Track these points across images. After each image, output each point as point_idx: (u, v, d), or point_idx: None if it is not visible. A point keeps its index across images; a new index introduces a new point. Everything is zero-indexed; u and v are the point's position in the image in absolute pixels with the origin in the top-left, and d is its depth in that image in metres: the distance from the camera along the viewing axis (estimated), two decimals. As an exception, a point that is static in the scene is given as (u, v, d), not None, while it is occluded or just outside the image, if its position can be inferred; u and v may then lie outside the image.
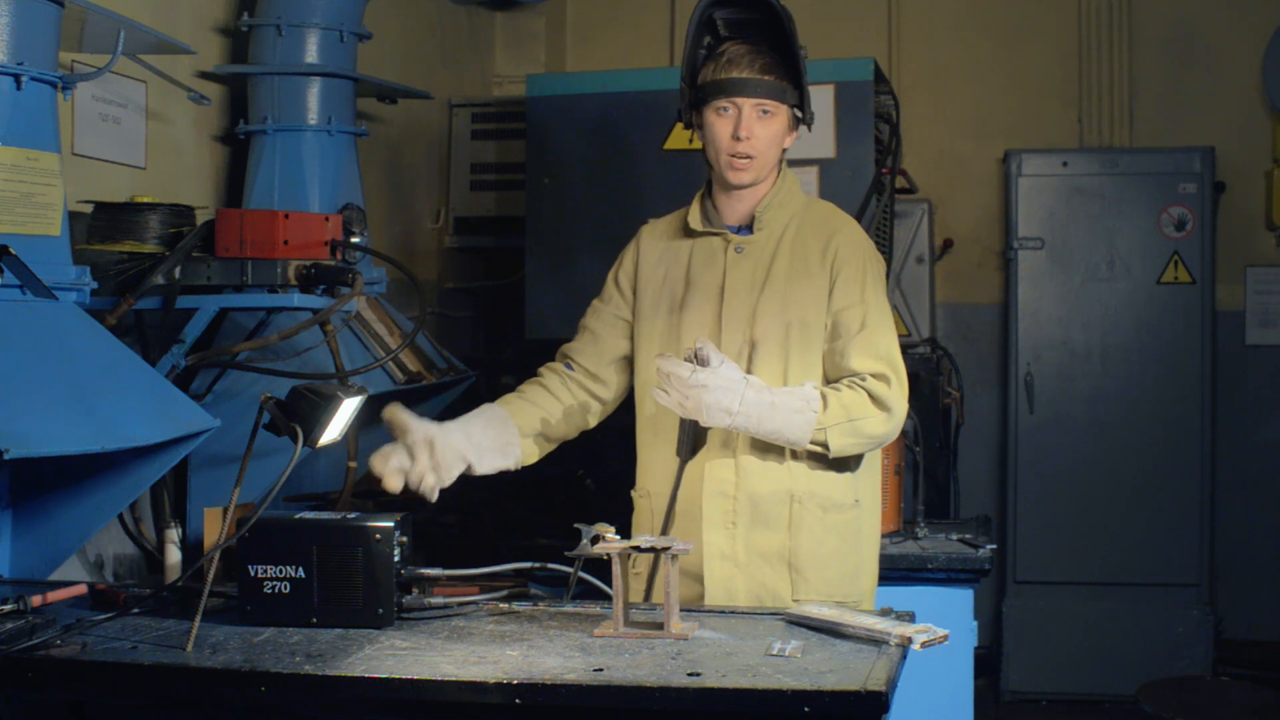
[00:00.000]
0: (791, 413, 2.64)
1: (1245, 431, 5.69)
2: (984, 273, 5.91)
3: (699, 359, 2.61)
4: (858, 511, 2.81)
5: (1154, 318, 5.49)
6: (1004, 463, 5.69)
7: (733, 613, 2.54)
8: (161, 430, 2.67)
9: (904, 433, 3.49)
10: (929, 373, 5.26)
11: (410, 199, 4.97)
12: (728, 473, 2.75)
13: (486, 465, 2.74)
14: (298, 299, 3.23)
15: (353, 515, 2.48)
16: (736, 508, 2.75)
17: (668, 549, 2.36)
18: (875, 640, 2.26)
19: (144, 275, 3.11)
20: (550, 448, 2.89)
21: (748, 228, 2.84)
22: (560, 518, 2.80)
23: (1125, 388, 5.51)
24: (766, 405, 2.62)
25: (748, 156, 2.75)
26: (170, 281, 3.15)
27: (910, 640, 2.24)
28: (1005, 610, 5.56)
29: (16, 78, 2.52)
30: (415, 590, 2.47)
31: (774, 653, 2.19)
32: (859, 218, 3.61)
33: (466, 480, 2.73)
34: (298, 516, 2.50)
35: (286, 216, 3.23)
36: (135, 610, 2.50)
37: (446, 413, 3.99)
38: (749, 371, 2.72)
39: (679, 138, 4.20)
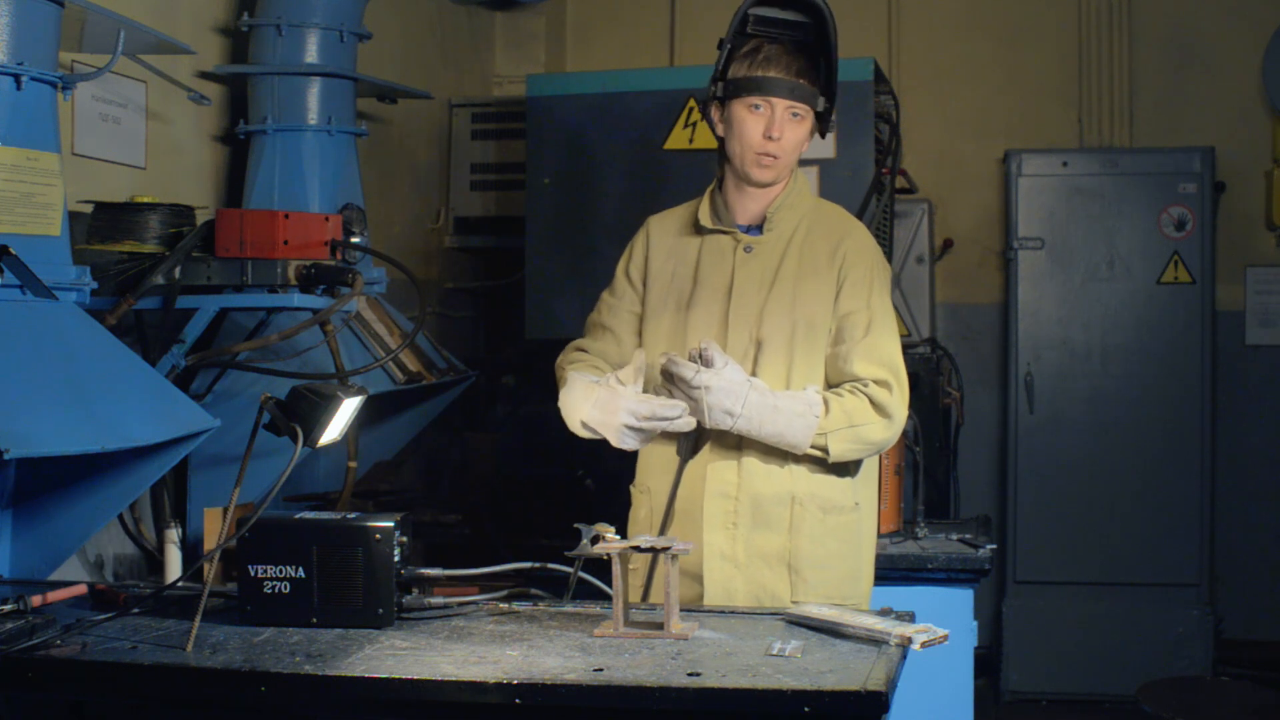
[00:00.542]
0: (793, 416, 2.64)
1: (1245, 431, 5.69)
2: (984, 273, 5.91)
3: (703, 360, 2.61)
4: (857, 514, 2.81)
5: (1154, 318, 5.49)
6: (1004, 463, 5.69)
7: (732, 613, 2.54)
8: (161, 430, 2.67)
9: (904, 433, 3.49)
10: (929, 373, 5.26)
11: (410, 199, 4.97)
12: (730, 474, 2.75)
13: None
14: (298, 299, 3.23)
15: (353, 515, 2.48)
16: (738, 509, 2.75)
17: (668, 549, 2.36)
18: (875, 640, 2.26)
19: (144, 275, 3.11)
20: None
21: (757, 227, 2.83)
22: (560, 518, 2.79)
23: (1125, 388, 5.51)
24: (769, 408, 2.63)
25: (774, 156, 2.75)
26: (170, 281, 3.15)
27: (910, 640, 2.24)
28: (1005, 610, 5.56)
29: (16, 78, 2.52)
30: (415, 590, 2.47)
31: (774, 653, 2.19)
32: (859, 218, 3.61)
33: (467, 480, 2.72)
34: (298, 516, 2.50)
35: (286, 216, 3.24)
36: (135, 610, 2.50)
37: (446, 413, 4.02)
38: (753, 372, 2.72)
39: (679, 138, 4.20)
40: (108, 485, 2.80)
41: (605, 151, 4.29)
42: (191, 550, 3.19)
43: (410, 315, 3.69)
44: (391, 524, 2.41)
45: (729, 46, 2.77)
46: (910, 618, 2.40)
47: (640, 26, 6.07)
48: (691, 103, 4.14)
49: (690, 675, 2.07)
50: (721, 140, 2.82)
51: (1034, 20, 5.87)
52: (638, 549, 2.40)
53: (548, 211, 4.37)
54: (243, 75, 3.73)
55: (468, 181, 5.17)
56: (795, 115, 2.75)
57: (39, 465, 2.76)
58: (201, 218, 3.30)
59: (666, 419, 2.62)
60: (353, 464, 3.44)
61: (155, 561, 3.27)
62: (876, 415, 2.69)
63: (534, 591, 2.66)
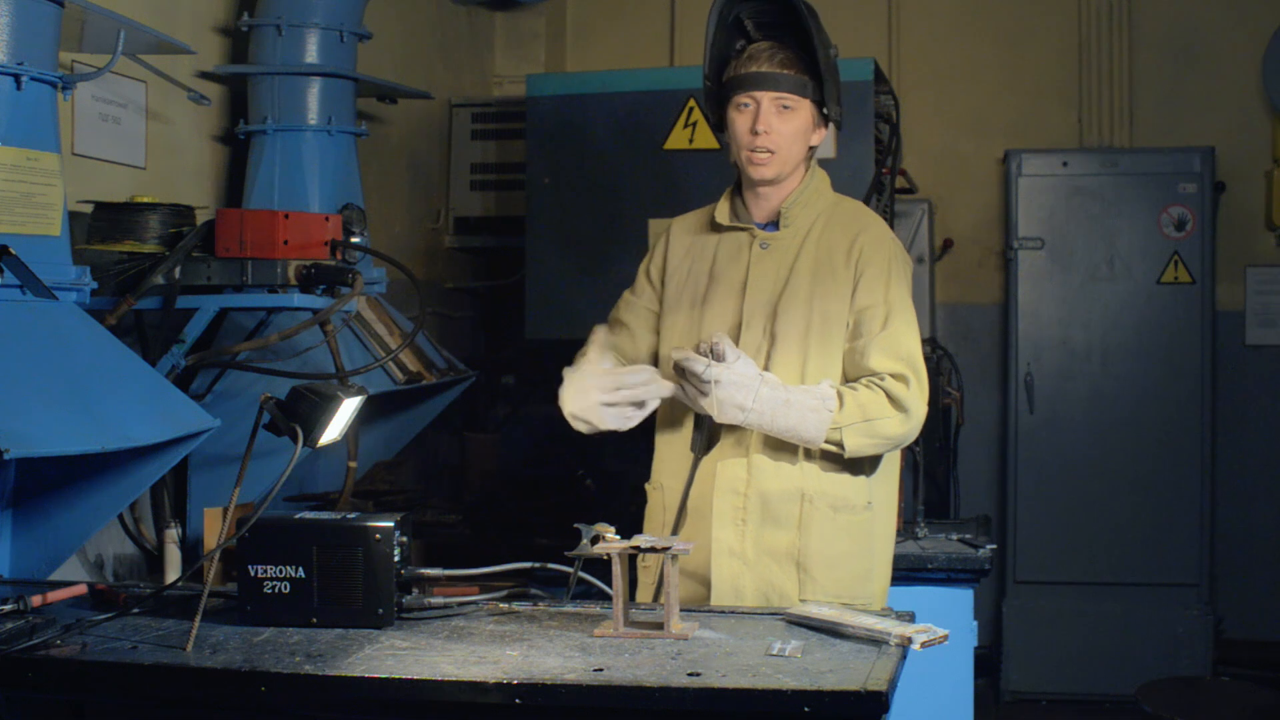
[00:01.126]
0: (807, 411, 2.63)
1: (1245, 431, 5.69)
2: (984, 273, 5.91)
3: (714, 354, 2.61)
4: (870, 514, 2.79)
5: (1154, 318, 5.49)
6: (1004, 463, 5.69)
7: (733, 612, 2.54)
8: (161, 430, 2.67)
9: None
10: (929, 373, 5.24)
11: (410, 199, 4.97)
12: (739, 470, 2.75)
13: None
14: (298, 299, 3.23)
15: (353, 515, 2.48)
16: (747, 505, 2.74)
17: (668, 549, 2.36)
18: (875, 640, 2.25)
19: (144, 275, 3.11)
20: None
21: (774, 224, 2.83)
22: (560, 518, 2.79)
23: (1125, 388, 5.51)
24: (781, 403, 2.62)
25: (768, 151, 2.74)
26: (170, 281, 3.15)
27: (910, 640, 2.24)
28: (1005, 610, 5.56)
29: (16, 78, 2.52)
30: (415, 590, 2.47)
31: (774, 653, 2.19)
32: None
33: (467, 480, 2.73)
34: (298, 516, 2.50)
35: (286, 216, 3.24)
36: (135, 610, 2.50)
37: (446, 413, 4.02)
38: (767, 367, 2.71)
39: (679, 137, 4.20)
40: (108, 485, 2.79)
41: (605, 151, 4.29)
42: (191, 550, 3.19)
43: (410, 315, 3.69)
44: (391, 524, 2.41)
45: (710, 49, 2.78)
46: (910, 618, 2.40)
47: (640, 26, 6.07)
48: (691, 103, 4.14)
49: (690, 675, 2.07)
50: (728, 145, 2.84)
51: (1034, 20, 5.87)
52: (638, 549, 2.40)
53: (548, 211, 4.37)
54: (243, 75, 3.73)
55: (468, 181, 5.17)
56: (785, 108, 2.74)
57: (39, 465, 2.76)
58: (201, 218, 3.30)
59: (634, 386, 2.63)
60: (353, 464, 3.44)
61: (155, 561, 3.27)
62: (893, 410, 2.68)
63: (534, 591, 2.66)
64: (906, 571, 3.64)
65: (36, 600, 2.49)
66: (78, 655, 2.23)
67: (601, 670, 2.12)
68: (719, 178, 3.09)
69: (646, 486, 2.90)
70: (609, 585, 2.41)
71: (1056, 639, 5.49)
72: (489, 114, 5.19)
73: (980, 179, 5.89)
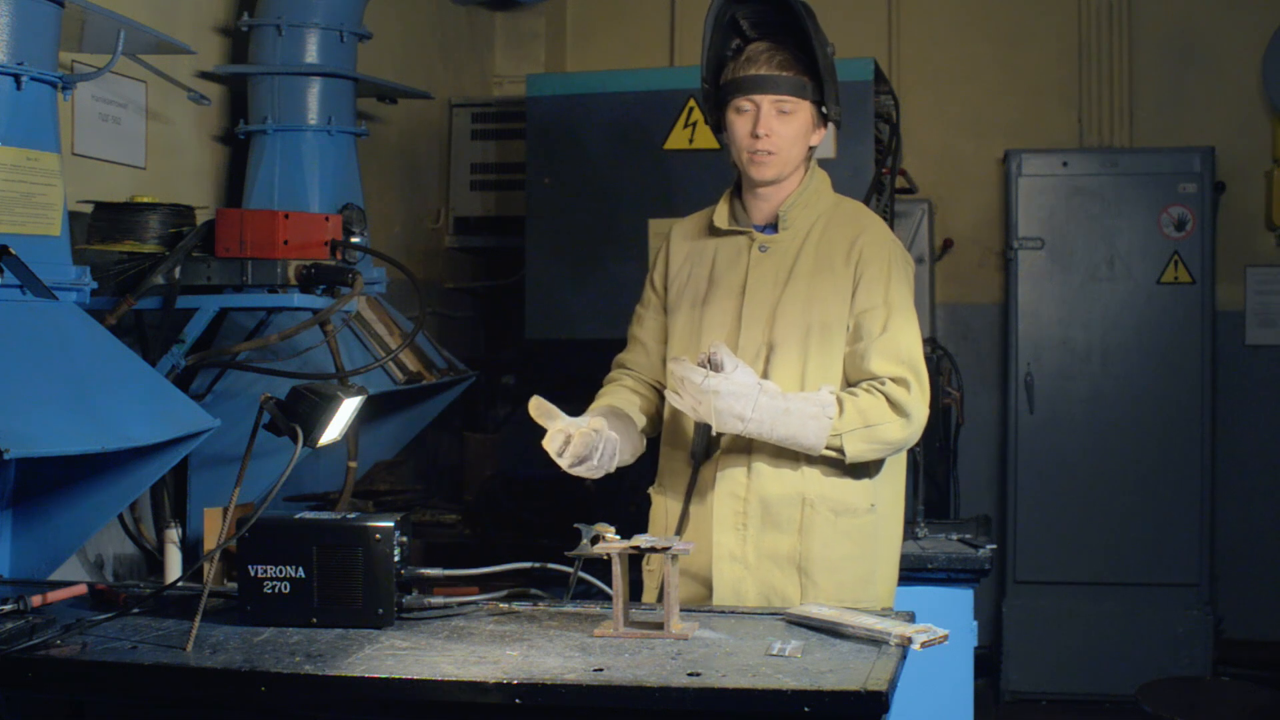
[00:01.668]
0: (806, 418, 2.61)
1: (1245, 431, 5.69)
2: (984, 273, 5.91)
3: (712, 364, 2.60)
4: (873, 517, 2.77)
5: (1154, 318, 5.49)
6: (1004, 463, 5.69)
7: (733, 612, 2.54)
8: (161, 430, 2.67)
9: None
10: (929, 373, 5.25)
11: (410, 199, 4.97)
12: (740, 474, 2.74)
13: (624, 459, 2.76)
14: (298, 299, 3.23)
15: (353, 515, 2.48)
16: (747, 509, 2.73)
17: (668, 549, 2.36)
18: (875, 640, 2.25)
19: (144, 275, 3.11)
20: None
21: (773, 226, 2.82)
22: (560, 518, 2.79)
23: (1125, 388, 5.51)
24: (780, 411, 2.60)
25: (768, 152, 2.73)
26: (170, 281, 3.15)
27: (910, 640, 2.24)
28: (1005, 610, 5.56)
29: (16, 78, 2.52)
30: (415, 590, 2.47)
31: (774, 653, 2.19)
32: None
33: (467, 480, 2.73)
34: (298, 516, 2.50)
35: (286, 216, 3.23)
36: (135, 610, 2.50)
37: (446, 413, 4.02)
38: (766, 371, 2.70)
39: (679, 137, 4.20)
40: (108, 485, 2.79)
41: (605, 151, 4.29)
42: (191, 550, 3.19)
43: (410, 315, 3.69)
44: (391, 524, 2.41)
45: (707, 51, 2.77)
46: (910, 618, 2.40)
47: (640, 26, 6.07)
48: (691, 103, 4.14)
49: (690, 675, 2.07)
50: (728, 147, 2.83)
51: (1034, 20, 5.87)
52: (638, 549, 2.40)
53: (548, 211, 4.37)
54: (243, 75, 3.73)
55: (468, 181, 5.17)
56: (784, 110, 2.73)
57: (39, 465, 2.76)
58: (201, 218, 3.30)
59: (558, 455, 2.65)
60: (353, 464, 3.44)
61: (155, 561, 3.27)
62: (894, 414, 2.66)
63: (534, 591, 2.66)
64: (906, 571, 3.60)
65: (36, 600, 2.49)
66: (78, 655, 2.23)
67: (601, 670, 2.12)
68: (719, 178, 3.08)
69: (650, 490, 2.90)
70: (609, 585, 2.41)
71: (1056, 639, 5.49)
72: (489, 114, 5.19)
73: (980, 179, 5.89)
